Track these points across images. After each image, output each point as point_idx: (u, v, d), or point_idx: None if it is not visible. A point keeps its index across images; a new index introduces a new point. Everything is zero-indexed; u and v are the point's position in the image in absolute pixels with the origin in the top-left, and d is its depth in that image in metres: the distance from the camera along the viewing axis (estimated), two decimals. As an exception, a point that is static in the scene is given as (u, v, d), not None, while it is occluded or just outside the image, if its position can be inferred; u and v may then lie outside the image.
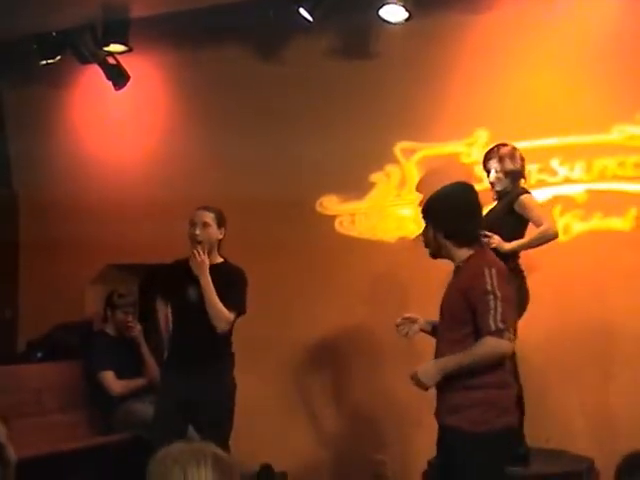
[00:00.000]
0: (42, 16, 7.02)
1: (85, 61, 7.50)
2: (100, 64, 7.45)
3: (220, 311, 5.41)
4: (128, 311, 7.03)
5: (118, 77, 7.49)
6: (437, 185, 6.41)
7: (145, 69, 7.60)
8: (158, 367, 6.56)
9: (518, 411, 4.23)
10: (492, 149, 5.73)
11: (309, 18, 6.43)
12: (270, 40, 7.10)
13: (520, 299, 5.55)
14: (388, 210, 6.75)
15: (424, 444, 6.18)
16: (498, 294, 3.93)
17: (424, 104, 6.54)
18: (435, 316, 6.27)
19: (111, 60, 7.47)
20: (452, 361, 4.05)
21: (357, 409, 6.75)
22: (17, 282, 8.27)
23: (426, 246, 4.29)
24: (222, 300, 5.49)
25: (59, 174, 7.96)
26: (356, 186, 6.78)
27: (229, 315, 5.45)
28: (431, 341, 6.42)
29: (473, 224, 4.24)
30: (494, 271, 4.00)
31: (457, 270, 4.20)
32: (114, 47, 7.32)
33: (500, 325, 3.89)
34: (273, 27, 6.95)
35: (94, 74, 7.58)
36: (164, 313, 5.91)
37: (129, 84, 7.50)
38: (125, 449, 6.52)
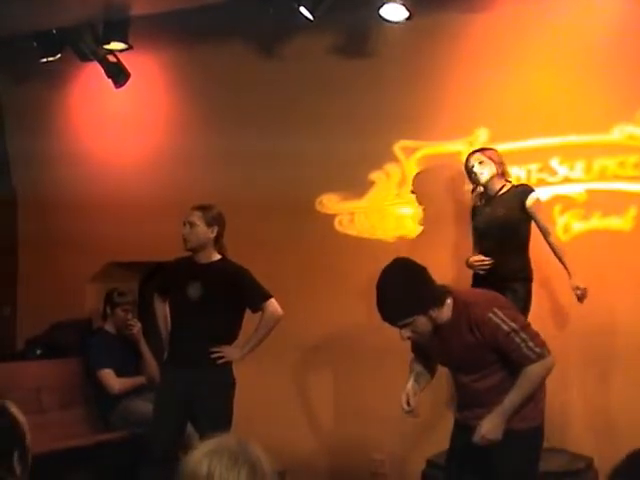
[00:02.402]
0: (42, 13, 7.01)
1: (85, 59, 7.50)
2: (100, 62, 7.45)
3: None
4: (128, 309, 7.03)
5: (118, 75, 7.49)
6: (436, 184, 6.51)
7: (145, 67, 7.59)
8: (157, 365, 6.57)
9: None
10: (473, 150, 5.85)
11: (310, 17, 6.42)
12: (270, 38, 7.10)
13: (527, 304, 5.61)
14: (388, 209, 6.75)
15: (423, 443, 6.22)
16: (515, 326, 3.95)
17: (424, 103, 6.54)
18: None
19: (111, 58, 7.46)
20: (510, 404, 4.03)
21: (356, 408, 6.74)
22: (16, 280, 8.28)
23: (424, 335, 4.14)
24: (232, 299, 5.54)
25: (58, 172, 7.95)
26: (356, 185, 6.78)
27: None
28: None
29: (433, 282, 4.11)
30: (496, 310, 3.98)
31: (448, 329, 4.09)
32: (114, 45, 7.32)
33: (537, 350, 3.95)
34: (274, 25, 6.95)
35: (94, 72, 7.57)
36: (162, 311, 5.91)
37: (129, 82, 7.50)
38: (124, 447, 6.53)
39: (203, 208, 5.65)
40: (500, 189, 5.69)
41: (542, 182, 6.05)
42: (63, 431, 6.69)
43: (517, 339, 3.94)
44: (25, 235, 8.28)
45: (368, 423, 6.64)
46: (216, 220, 5.65)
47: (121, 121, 7.86)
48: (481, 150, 5.82)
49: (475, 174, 5.72)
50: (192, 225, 5.60)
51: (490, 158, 5.72)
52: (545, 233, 5.56)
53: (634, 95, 5.92)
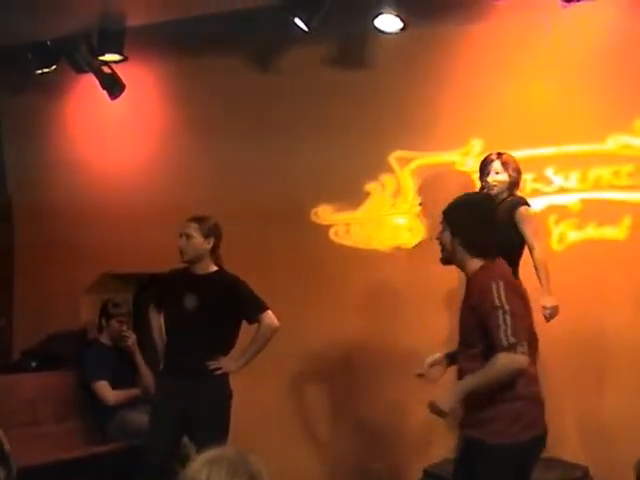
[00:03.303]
0: (37, 25, 7.01)
1: (80, 70, 7.50)
2: (95, 73, 7.45)
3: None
4: (123, 320, 7.03)
5: (113, 86, 7.50)
6: (432, 194, 6.51)
7: (140, 78, 7.60)
8: (153, 377, 6.55)
9: (543, 421, 4.18)
10: (493, 153, 5.74)
11: (305, 28, 6.43)
12: (265, 50, 7.11)
13: None
14: (383, 220, 6.75)
15: (420, 452, 6.22)
16: (507, 308, 3.89)
17: (419, 113, 6.55)
18: (431, 324, 6.34)
19: (106, 69, 7.47)
20: (468, 384, 4.01)
21: (354, 418, 6.74)
22: (12, 290, 8.27)
23: (442, 250, 4.24)
24: (228, 311, 5.55)
25: (54, 182, 7.95)
26: (351, 195, 6.78)
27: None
28: (429, 345, 6.45)
29: (491, 237, 4.18)
30: (501, 284, 3.95)
31: (467, 283, 4.18)
32: (109, 56, 7.33)
33: (512, 339, 3.85)
34: (268, 37, 6.95)
35: (89, 83, 7.58)
36: (157, 322, 5.91)
37: (124, 93, 7.51)
38: (119, 459, 6.52)
39: (199, 219, 5.65)
40: (504, 200, 5.67)
41: (537, 192, 6.06)
42: (59, 443, 6.67)
43: (500, 319, 3.87)
44: (21, 245, 8.27)
45: (365, 433, 6.65)
46: (212, 231, 5.65)
47: (116, 132, 7.86)
48: (500, 156, 5.71)
49: (488, 183, 5.68)
50: (188, 237, 5.60)
51: (506, 167, 5.66)
52: (530, 247, 5.52)
53: (628, 105, 5.94)
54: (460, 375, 4.18)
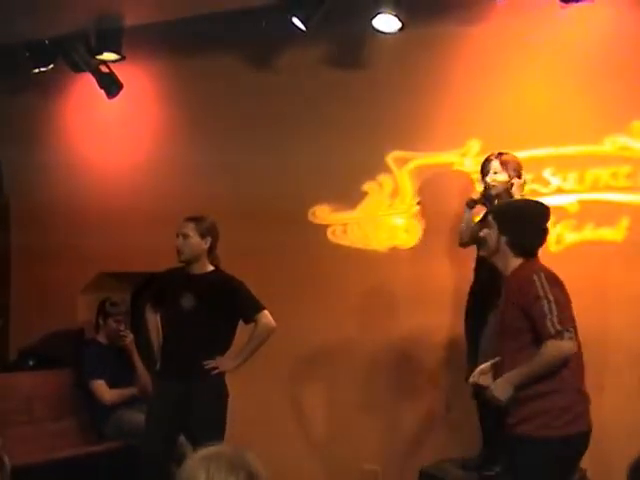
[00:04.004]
0: (35, 24, 7.01)
1: (78, 69, 7.50)
2: (93, 72, 7.45)
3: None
4: (120, 320, 7.03)
5: (111, 86, 7.50)
6: (430, 195, 6.51)
7: (138, 78, 7.60)
8: (150, 376, 6.55)
9: (588, 416, 4.23)
10: (494, 153, 5.72)
11: (302, 28, 6.43)
12: (263, 50, 7.10)
13: None
14: (380, 220, 6.74)
15: (417, 454, 6.22)
16: (550, 297, 4.03)
17: (417, 114, 6.55)
18: (429, 325, 6.34)
19: (104, 68, 7.47)
20: (521, 372, 4.10)
21: (349, 419, 6.74)
22: (9, 290, 8.26)
23: (484, 244, 4.40)
24: (225, 311, 5.55)
25: (51, 182, 7.95)
26: (348, 195, 6.78)
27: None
28: (425, 346, 6.45)
29: (538, 240, 4.39)
30: (543, 276, 4.11)
31: (506, 281, 4.30)
32: (107, 55, 7.32)
33: (558, 327, 3.99)
34: (266, 37, 6.95)
35: (87, 82, 7.58)
36: (154, 322, 5.90)
37: (122, 93, 7.51)
38: (116, 458, 6.52)
39: (196, 219, 5.65)
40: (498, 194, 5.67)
41: (535, 193, 6.03)
42: (55, 442, 6.68)
43: (545, 308, 4.00)
44: (17, 245, 8.26)
45: (361, 433, 6.64)
46: (209, 231, 5.65)
47: (114, 131, 7.86)
48: (500, 156, 5.67)
49: (487, 182, 5.68)
50: (185, 237, 5.61)
51: (505, 167, 5.64)
52: None
53: (626, 106, 5.93)
54: (505, 370, 4.22)
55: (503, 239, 4.27)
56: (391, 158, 6.66)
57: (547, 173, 6.12)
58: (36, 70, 7.50)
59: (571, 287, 5.46)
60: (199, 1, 6.76)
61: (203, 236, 5.63)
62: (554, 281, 4.16)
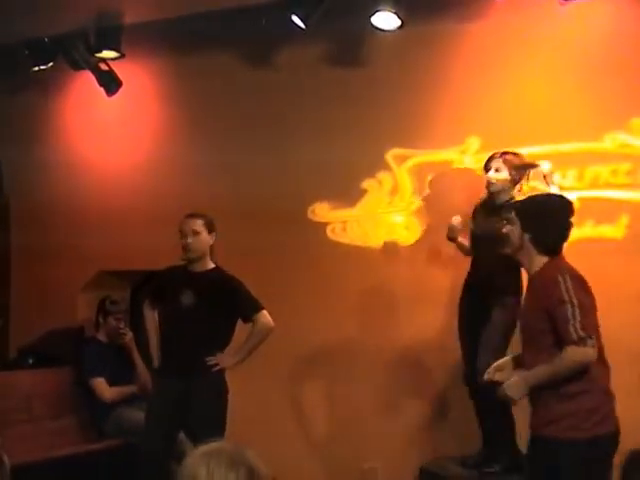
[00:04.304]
0: (34, 22, 7.01)
1: (77, 67, 7.49)
2: (92, 70, 7.44)
3: None
4: (120, 318, 7.03)
5: (110, 83, 7.49)
6: (431, 192, 6.51)
7: (137, 75, 7.59)
8: (149, 374, 6.55)
9: (615, 416, 4.19)
10: (498, 152, 5.73)
11: (302, 25, 6.43)
12: (263, 47, 7.10)
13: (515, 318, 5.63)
14: (380, 217, 6.75)
15: (416, 451, 6.22)
16: (575, 302, 3.94)
17: (416, 111, 6.54)
18: (428, 322, 6.34)
19: (103, 66, 7.46)
20: (538, 374, 4.05)
21: (348, 417, 6.74)
22: (9, 288, 8.25)
23: (507, 243, 4.29)
24: (225, 309, 5.55)
25: (51, 180, 7.94)
26: (348, 193, 6.78)
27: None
28: (425, 344, 6.45)
29: (562, 237, 4.26)
30: (568, 278, 4.01)
31: (531, 280, 4.24)
32: (106, 53, 7.32)
33: (581, 333, 3.90)
34: (266, 34, 6.94)
35: (86, 80, 7.57)
36: (152, 318, 5.89)
37: (121, 90, 7.50)
38: (116, 456, 6.52)
39: (202, 216, 5.66)
40: (507, 201, 5.66)
41: (534, 190, 6.04)
42: (54, 440, 6.68)
43: (568, 312, 3.92)
44: (17, 244, 8.25)
45: (360, 432, 6.64)
46: (213, 227, 5.67)
47: (113, 130, 7.85)
48: (503, 154, 5.68)
49: (488, 179, 5.69)
50: (195, 233, 5.59)
51: (507, 166, 5.65)
52: None
53: (626, 103, 5.93)
54: (525, 370, 4.18)
55: (526, 236, 4.18)
56: (390, 156, 6.66)
57: (547, 170, 6.11)
58: (36, 68, 7.50)
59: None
60: (199, -1, 6.77)
61: (210, 232, 5.64)
62: (579, 283, 4.08)
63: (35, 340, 7.70)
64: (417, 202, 6.60)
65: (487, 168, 5.71)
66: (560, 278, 4.00)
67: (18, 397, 6.81)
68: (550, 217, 4.25)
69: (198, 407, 5.50)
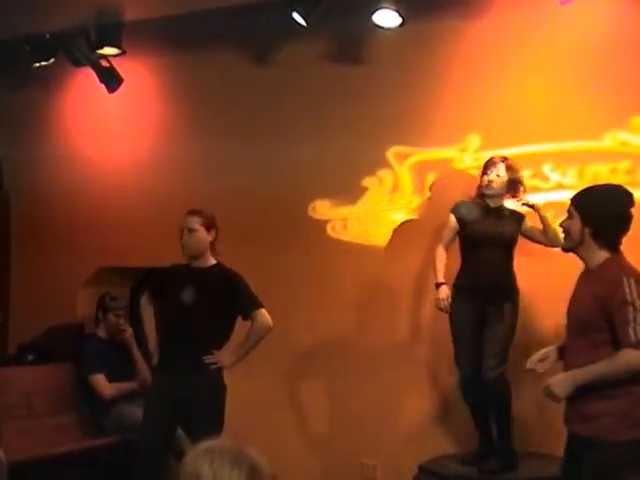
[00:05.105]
0: (35, 18, 7.01)
1: (78, 64, 7.50)
2: (93, 67, 7.44)
3: None
4: (120, 314, 7.03)
5: (111, 80, 7.49)
6: (433, 189, 6.52)
7: (139, 72, 7.59)
8: (149, 370, 6.55)
9: None
10: (500, 156, 5.81)
11: (303, 23, 6.43)
12: (263, 45, 7.10)
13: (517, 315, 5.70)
14: (381, 215, 6.75)
15: (415, 449, 6.22)
16: (637, 305, 3.81)
17: (417, 109, 6.55)
18: (429, 320, 6.35)
19: (104, 63, 7.46)
20: (588, 372, 3.91)
21: (348, 413, 6.74)
22: (8, 284, 8.26)
23: (567, 237, 4.13)
24: (225, 305, 5.55)
25: (51, 177, 7.95)
26: (348, 191, 6.77)
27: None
28: (425, 342, 6.45)
29: (623, 230, 4.07)
30: (632, 281, 3.87)
31: (588, 274, 4.07)
32: (108, 50, 7.32)
33: None
34: (266, 32, 6.95)
35: (87, 77, 7.57)
36: (149, 312, 5.87)
37: (122, 87, 7.50)
38: (116, 452, 6.53)
39: (200, 212, 5.64)
40: (500, 205, 5.80)
41: (534, 189, 6.05)
42: (54, 436, 6.68)
43: (630, 315, 3.79)
44: (17, 240, 8.26)
45: (360, 428, 6.65)
46: (213, 224, 5.65)
47: (114, 126, 7.86)
48: (505, 160, 5.76)
49: (486, 181, 5.74)
50: (192, 231, 5.58)
51: (509, 173, 5.74)
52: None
53: (626, 101, 5.93)
54: (568, 366, 4.06)
55: (587, 230, 4.00)
56: (391, 153, 6.66)
57: (547, 169, 6.12)
58: (37, 65, 7.49)
59: (571, 283, 5.47)
60: (199, -4, 6.77)
61: (208, 229, 5.61)
62: None
63: (35, 336, 7.70)
64: (417, 200, 6.61)
65: (487, 170, 5.75)
66: (625, 280, 3.86)
67: (18, 393, 6.82)
68: (612, 210, 4.05)
69: (197, 404, 5.50)
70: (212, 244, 5.67)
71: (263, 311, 5.62)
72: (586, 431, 3.95)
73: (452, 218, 5.84)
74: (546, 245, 5.76)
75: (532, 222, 5.83)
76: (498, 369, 5.61)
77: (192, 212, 5.64)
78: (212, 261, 5.69)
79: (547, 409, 5.42)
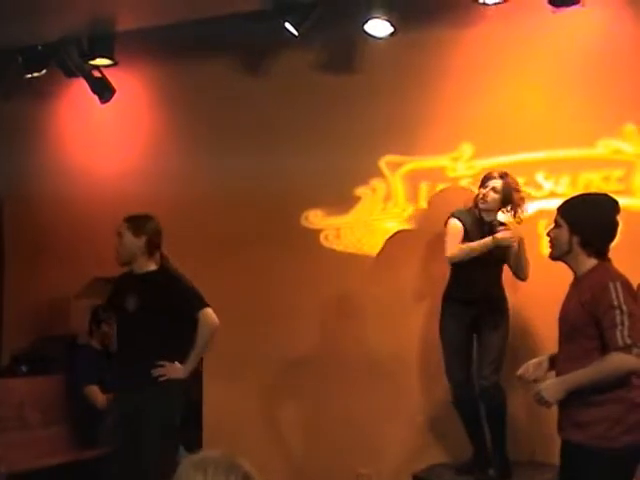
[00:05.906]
0: (27, 29, 7.01)
1: (71, 74, 7.50)
2: (86, 77, 7.45)
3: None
4: (113, 324, 7.00)
5: (103, 90, 7.49)
6: (423, 199, 6.52)
7: (130, 83, 7.59)
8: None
9: None
10: (499, 171, 5.79)
11: (295, 33, 6.44)
12: (255, 54, 7.11)
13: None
14: (373, 224, 6.75)
15: (409, 458, 6.21)
16: (624, 308, 3.83)
17: (409, 118, 6.55)
18: (422, 330, 6.34)
19: (96, 73, 7.47)
20: (577, 377, 3.92)
21: (342, 422, 6.72)
22: (2, 294, 8.24)
23: (554, 246, 4.14)
24: (167, 309, 5.31)
25: (45, 186, 7.93)
26: (341, 200, 6.78)
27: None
28: (419, 351, 6.45)
29: (611, 238, 4.12)
30: (619, 285, 3.90)
31: (577, 282, 4.10)
32: (100, 61, 7.33)
33: (627, 340, 3.78)
34: (258, 41, 6.95)
35: (80, 87, 7.58)
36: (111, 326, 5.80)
37: (115, 97, 7.50)
38: (108, 464, 6.50)
39: (129, 218, 5.50)
40: (494, 219, 5.81)
41: (527, 196, 6.05)
42: (47, 448, 6.66)
43: (618, 318, 3.80)
44: (11, 250, 8.24)
45: (354, 437, 6.63)
46: (144, 229, 5.46)
47: (107, 136, 7.85)
48: (504, 177, 5.74)
49: (483, 195, 5.74)
50: (119, 236, 5.48)
51: (505, 189, 5.74)
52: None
53: (618, 110, 5.95)
54: (559, 373, 4.07)
55: (575, 239, 4.04)
56: (384, 162, 6.66)
57: (540, 177, 6.14)
58: (29, 75, 7.50)
59: (563, 291, 5.47)
60: (192, 7, 6.77)
61: (136, 234, 5.44)
62: (630, 291, 3.95)
63: (28, 347, 7.68)
64: (410, 208, 6.61)
65: (484, 184, 5.74)
66: (611, 284, 3.89)
67: (11, 404, 6.79)
68: (600, 218, 4.10)
69: (146, 414, 5.25)
70: (151, 250, 5.48)
71: (208, 310, 5.36)
72: (580, 438, 3.94)
73: (458, 223, 5.78)
74: (510, 269, 5.79)
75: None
76: (494, 377, 5.61)
77: (124, 218, 5.52)
78: (151, 267, 5.49)
79: (541, 418, 5.42)
